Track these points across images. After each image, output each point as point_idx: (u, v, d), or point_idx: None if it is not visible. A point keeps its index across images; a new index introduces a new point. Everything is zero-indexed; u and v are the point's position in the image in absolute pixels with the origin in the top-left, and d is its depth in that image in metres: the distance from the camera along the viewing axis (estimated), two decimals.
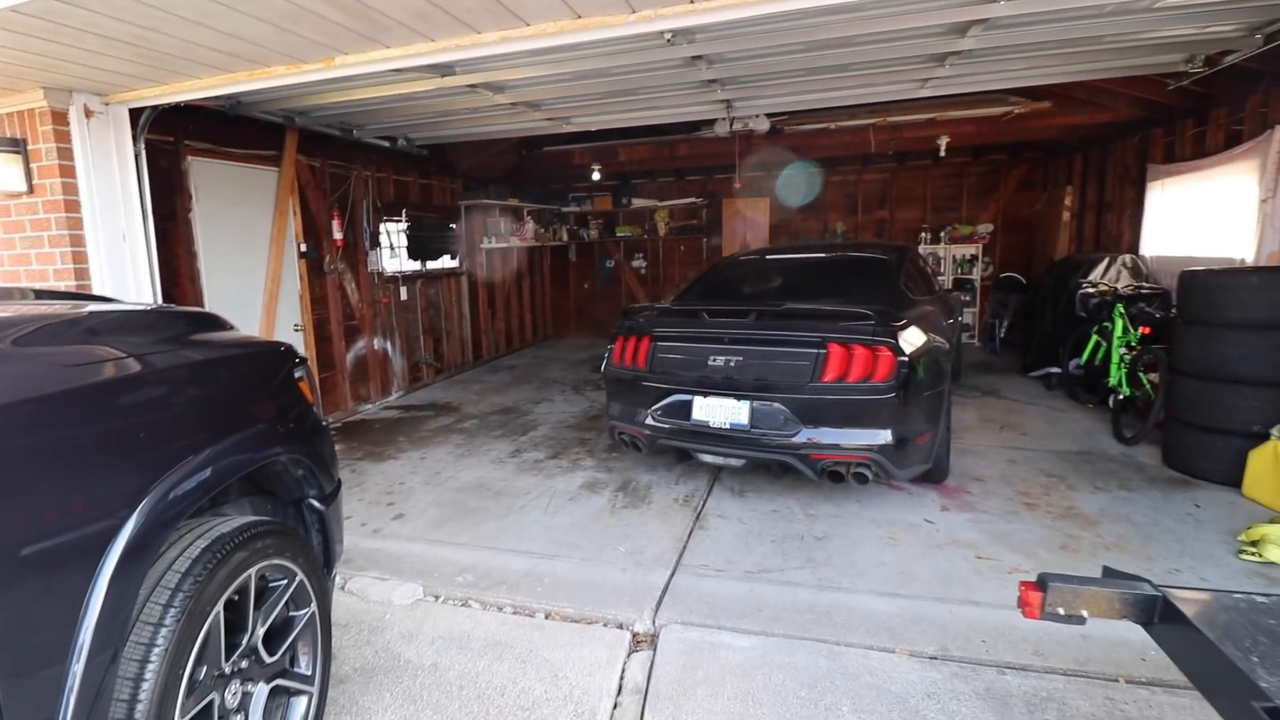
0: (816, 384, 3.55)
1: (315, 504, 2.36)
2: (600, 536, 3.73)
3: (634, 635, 2.79)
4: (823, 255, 5.10)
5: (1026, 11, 3.21)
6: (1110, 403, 5.75)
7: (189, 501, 1.64)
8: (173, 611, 1.51)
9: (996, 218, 9.72)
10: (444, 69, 3.91)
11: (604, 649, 2.67)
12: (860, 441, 3.55)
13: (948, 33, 3.65)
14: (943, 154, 7.29)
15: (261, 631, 1.86)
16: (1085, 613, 1.84)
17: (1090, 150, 8.14)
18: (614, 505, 4.18)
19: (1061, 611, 1.84)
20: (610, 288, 11.42)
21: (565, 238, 10.94)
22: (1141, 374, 5.29)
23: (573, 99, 4.96)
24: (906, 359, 3.50)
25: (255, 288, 5.63)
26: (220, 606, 1.66)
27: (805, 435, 3.60)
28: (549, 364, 9.29)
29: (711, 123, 6.88)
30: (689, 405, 3.90)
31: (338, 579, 3.31)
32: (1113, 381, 5.61)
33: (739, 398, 3.75)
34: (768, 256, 5.30)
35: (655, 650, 2.65)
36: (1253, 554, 3.22)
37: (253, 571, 1.80)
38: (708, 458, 3.96)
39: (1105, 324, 5.90)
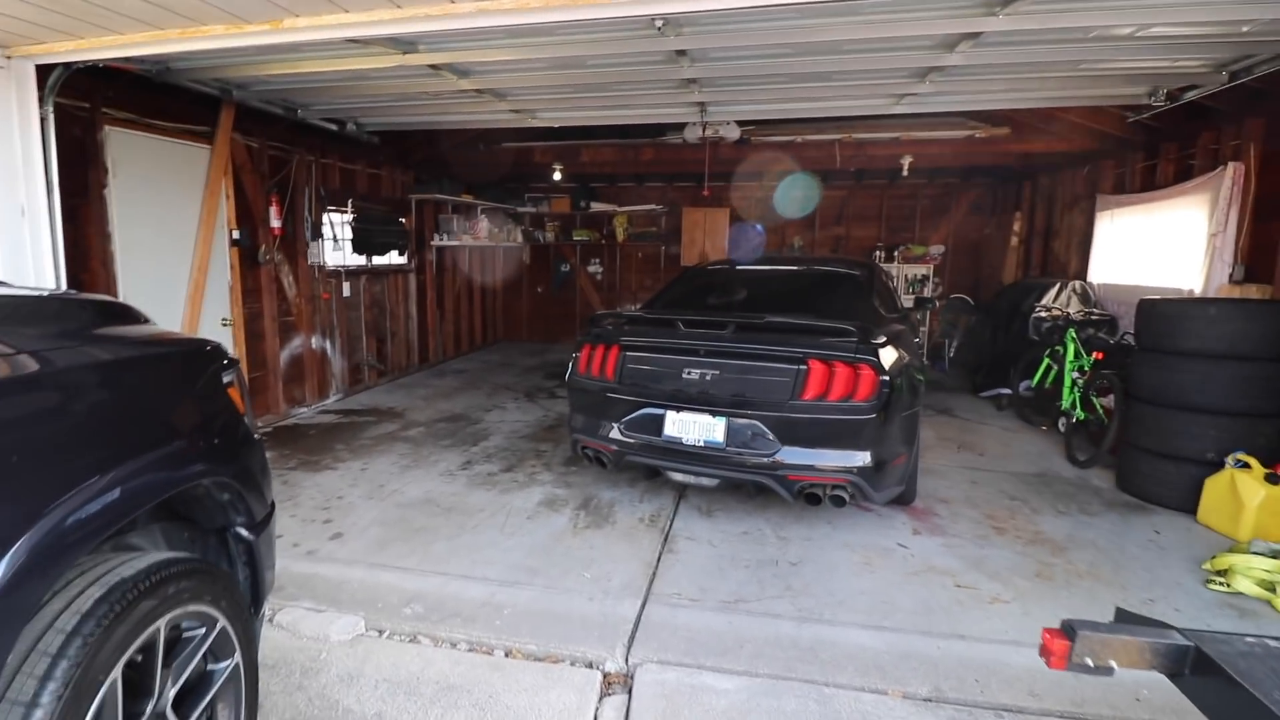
0: (796, 401, 3.39)
1: (243, 532, 2.01)
2: (563, 560, 3.45)
3: (605, 676, 2.53)
4: (794, 268, 4.99)
5: (1020, 29, 3.17)
6: (1061, 425, 5.87)
7: (85, 537, 1.31)
8: (52, 686, 1.17)
9: (947, 239, 9.94)
10: (407, 44, 3.58)
11: (573, 693, 2.40)
12: (839, 463, 3.40)
13: (937, 46, 3.59)
14: (905, 173, 7.36)
15: (172, 694, 1.52)
16: (1114, 663, 1.70)
17: (1039, 178, 8.41)
18: (576, 525, 3.91)
19: (1090, 662, 1.70)
20: (565, 293, 11.11)
21: (520, 239, 10.57)
22: (1094, 398, 5.39)
23: (543, 90, 4.69)
24: (888, 378, 3.38)
25: (179, 276, 5.10)
26: (119, 671, 1.33)
27: (783, 455, 3.43)
28: (500, 369, 8.92)
29: (681, 128, 6.74)
30: (660, 420, 3.68)
31: (265, 610, 2.93)
32: (1065, 405, 5.72)
33: (714, 414, 3.55)
34: (738, 267, 5.15)
35: (631, 694, 2.40)
36: (1220, 584, 3.22)
37: (163, 623, 1.46)
38: (679, 476, 3.75)
39: (1057, 348, 6.03)
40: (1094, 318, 6.39)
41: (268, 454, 4.95)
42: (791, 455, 3.43)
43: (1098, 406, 5.34)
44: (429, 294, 8.77)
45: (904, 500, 4.18)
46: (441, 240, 8.69)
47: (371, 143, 6.48)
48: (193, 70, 4.14)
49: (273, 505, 2.25)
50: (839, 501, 3.49)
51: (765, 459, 3.45)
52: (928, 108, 5.01)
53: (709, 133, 6.29)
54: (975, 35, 3.33)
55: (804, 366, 3.43)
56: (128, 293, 4.69)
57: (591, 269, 10.91)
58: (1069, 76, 4.29)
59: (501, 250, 10.91)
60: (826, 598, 3.11)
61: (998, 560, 3.52)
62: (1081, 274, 7.19)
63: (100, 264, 4.55)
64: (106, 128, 4.51)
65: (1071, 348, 5.79)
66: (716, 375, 3.57)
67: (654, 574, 3.33)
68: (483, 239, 9.40)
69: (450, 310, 9.42)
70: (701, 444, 3.56)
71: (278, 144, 6.05)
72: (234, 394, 2.06)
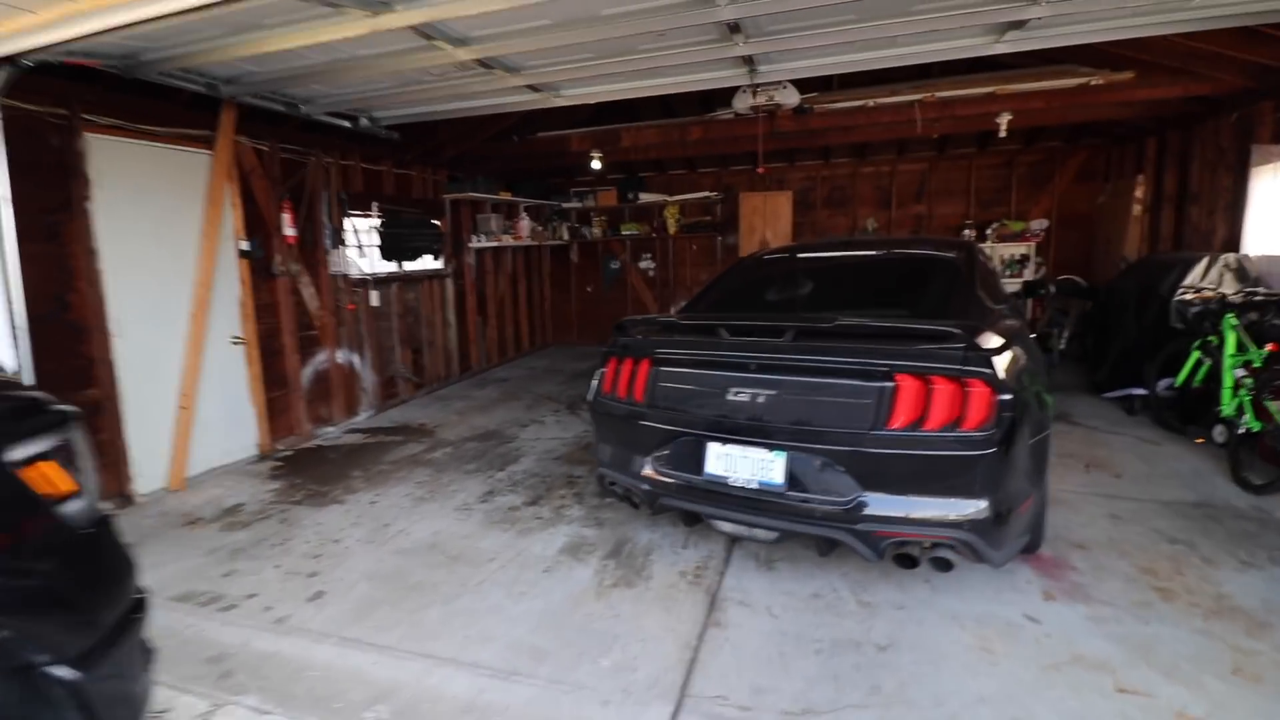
0: (881, 432, 2.52)
1: (59, 672, 1.37)
2: (579, 638, 2.72)
3: None
4: (871, 254, 4.05)
5: None
6: (1220, 436, 4.67)
7: None
8: None
9: (1051, 213, 8.61)
10: (373, 2, 2.92)
11: None
12: (943, 514, 2.51)
13: None
14: (1003, 134, 6.20)
15: None
16: None
17: (1168, 133, 7.02)
18: (601, 581, 3.17)
19: None
20: (616, 291, 10.41)
21: (566, 236, 9.95)
22: (1270, 403, 4.19)
23: (557, 57, 3.97)
24: (1009, 396, 2.46)
25: (179, 293, 4.69)
26: None
27: (864, 503, 2.57)
28: (545, 377, 8.30)
29: (729, 100, 5.87)
30: (701, 454, 2.89)
31: (203, 704, 2.34)
32: (1227, 410, 4.52)
33: (770, 447, 2.72)
34: (800, 255, 4.26)
35: None
36: None
37: None
38: (726, 526, 2.94)
39: (1210, 338, 4.81)
40: (1258, 299, 5.11)
41: (280, 482, 4.49)
42: (876, 503, 2.56)
43: (1275, 414, 4.14)
44: (469, 299, 8.25)
45: (1028, 547, 3.22)
46: (480, 242, 8.15)
47: (392, 139, 5.95)
48: (163, 62, 3.65)
49: (138, 605, 1.61)
50: (943, 566, 2.61)
51: (839, 508, 2.60)
52: (1039, 42, 3.95)
53: (763, 100, 5.40)
54: None
55: (891, 384, 2.55)
56: (120, 313, 4.29)
57: (643, 265, 10.15)
58: None
59: (547, 249, 10.34)
60: (932, 709, 2.24)
61: (1171, 643, 2.53)
62: (1233, 245, 5.86)
63: (87, 283, 4.16)
64: (87, 135, 4.11)
65: (1232, 337, 4.58)
66: (772, 397, 2.74)
67: (693, 660, 2.55)
68: (525, 239, 8.81)
69: (493, 315, 8.89)
70: (754, 486, 2.74)
71: (291, 146, 5.61)
72: (48, 473, 1.42)
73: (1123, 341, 5.98)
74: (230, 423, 5.09)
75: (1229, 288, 5.27)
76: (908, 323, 2.66)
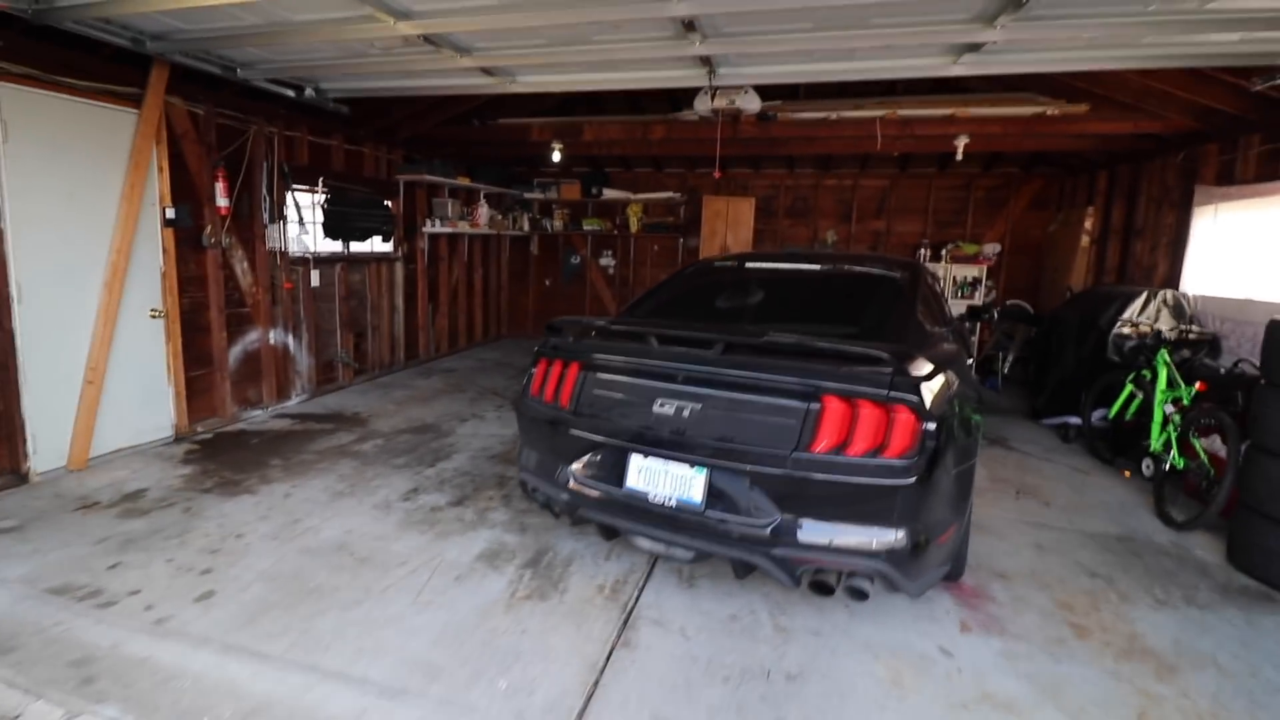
0: (803, 455, 2.44)
1: None
2: (479, 654, 2.58)
3: None
4: (817, 269, 3.99)
5: None
6: (1147, 469, 4.77)
7: None
8: None
9: (1004, 237, 8.76)
10: None
11: None
12: (861, 542, 2.45)
13: None
14: (959, 156, 6.25)
15: None
16: None
17: (1118, 167, 7.19)
18: (514, 593, 3.04)
19: None
20: (575, 286, 10.25)
21: (527, 227, 9.74)
22: (1195, 440, 4.28)
23: (508, 40, 3.81)
24: (934, 424, 2.40)
25: (94, 259, 4.38)
26: None
27: (782, 527, 2.49)
28: (494, 370, 8.11)
29: (693, 100, 5.77)
30: (623, 466, 2.77)
31: (57, 712, 2.14)
32: (1155, 446, 4.61)
33: (692, 463, 2.63)
34: (748, 265, 4.18)
35: None
36: None
37: None
38: (644, 543, 2.83)
39: (1143, 372, 4.91)
40: (1191, 337, 5.25)
41: (193, 467, 4.24)
42: (794, 527, 2.48)
43: (1200, 451, 4.23)
44: (419, 285, 7.99)
45: (950, 575, 3.20)
46: (435, 227, 7.90)
47: (340, 113, 5.68)
48: (75, 9, 3.36)
49: None
50: (859, 595, 2.55)
51: (758, 531, 2.52)
52: (994, 67, 3.94)
53: (724, 103, 5.31)
54: None
55: (816, 405, 2.47)
56: (24, 276, 3.98)
57: (603, 262, 10.01)
58: (1189, 20, 3.21)
59: (507, 239, 10.11)
60: None
61: (1081, 685, 2.52)
62: (1173, 281, 6.01)
63: None
64: None
65: (1164, 373, 4.67)
66: (697, 411, 2.65)
67: (596, 683, 2.43)
68: (483, 226, 8.59)
69: (445, 303, 8.64)
70: (673, 503, 2.64)
71: (229, 112, 5.31)
72: None
73: (1062, 370, 6.09)
74: (144, 401, 4.79)
75: (1165, 324, 5.39)
76: (838, 343, 2.58)
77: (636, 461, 2.74)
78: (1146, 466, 4.81)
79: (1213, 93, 5.05)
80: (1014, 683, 2.51)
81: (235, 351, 5.57)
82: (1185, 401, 4.48)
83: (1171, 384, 4.65)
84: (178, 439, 5.01)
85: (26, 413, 4.08)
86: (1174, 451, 4.34)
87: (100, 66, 4.30)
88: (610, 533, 3.03)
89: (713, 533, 2.58)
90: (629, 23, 3.28)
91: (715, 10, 3.03)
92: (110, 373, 4.49)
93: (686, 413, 2.66)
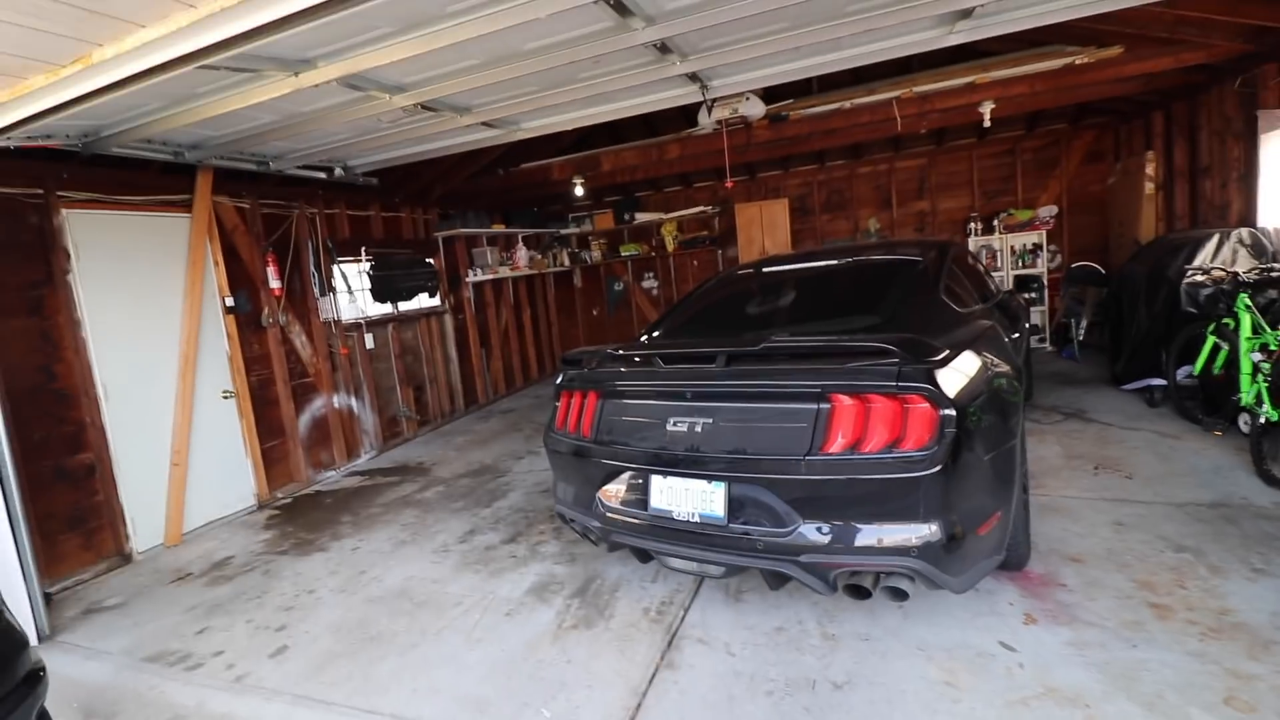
0: (817, 457, 2.38)
1: None
2: (525, 686, 2.63)
3: None
4: (835, 263, 3.91)
5: None
6: (1244, 426, 4.34)
7: None
8: None
9: (1060, 198, 8.25)
10: (294, 62, 2.96)
11: None
12: (891, 540, 2.35)
13: None
14: (988, 124, 5.98)
15: None
16: None
17: (1174, 105, 6.67)
18: (561, 623, 3.08)
19: None
20: (621, 312, 10.38)
21: (567, 262, 9.98)
22: None
23: (500, 93, 3.97)
24: (953, 409, 2.30)
25: (167, 352, 4.82)
26: None
27: (805, 532, 2.43)
28: (550, 405, 8.26)
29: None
30: (646, 488, 2.79)
31: None
32: (1246, 399, 4.19)
33: (710, 478, 2.61)
34: (765, 270, 4.14)
35: None
36: None
37: None
38: (676, 563, 2.82)
39: (1225, 321, 4.49)
40: (1275, 275, 4.76)
41: (273, 532, 4.56)
42: (818, 532, 2.42)
43: None
44: (469, 333, 8.31)
45: (1012, 565, 3.02)
46: (477, 275, 8.23)
47: (371, 185, 6.06)
48: (119, 136, 3.78)
49: (32, 679, 1.63)
50: (899, 595, 2.44)
51: (782, 539, 2.47)
52: (994, 28, 3.77)
53: (728, 113, 5.32)
54: None
55: (825, 405, 2.42)
56: (107, 377, 4.43)
57: (646, 284, 10.10)
58: None
59: (550, 276, 10.38)
60: None
61: (1158, 671, 2.31)
62: (1248, 219, 5.50)
63: (73, 352, 4.31)
64: (64, 211, 4.28)
65: (1247, 320, 4.26)
66: (709, 425, 2.64)
67: (639, 707, 2.43)
68: (523, 268, 8.87)
69: (497, 347, 8.93)
70: (696, 519, 2.63)
71: (271, 200, 5.76)
72: None
73: (1137, 330, 5.65)
74: (226, 475, 5.19)
75: (1243, 265, 4.92)
76: (837, 340, 2.52)
77: (657, 482, 2.75)
78: (1244, 422, 4.38)
79: (1257, 10, 4.64)
80: (1082, 673, 2.33)
81: (304, 419, 5.95)
82: (1274, 347, 4.07)
83: (1257, 330, 4.24)
84: (260, 506, 5.38)
85: (124, 499, 4.50)
86: (1267, 403, 3.94)
87: (153, 180, 4.78)
88: (645, 556, 3.04)
89: (739, 545, 2.55)
90: (605, 56, 3.37)
91: (682, 31, 3.07)
92: (193, 453, 4.90)
93: (699, 428, 2.65)
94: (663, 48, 3.38)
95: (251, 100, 3.24)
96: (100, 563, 4.36)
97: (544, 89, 3.99)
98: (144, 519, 4.60)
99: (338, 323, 6.31)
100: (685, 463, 2.66)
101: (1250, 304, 4.27)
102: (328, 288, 6.18)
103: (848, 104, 5.98)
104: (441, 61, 3.22)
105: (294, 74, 3.01)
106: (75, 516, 4.27)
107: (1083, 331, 7.43)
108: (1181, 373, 5.04)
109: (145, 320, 4.71)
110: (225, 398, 5.21)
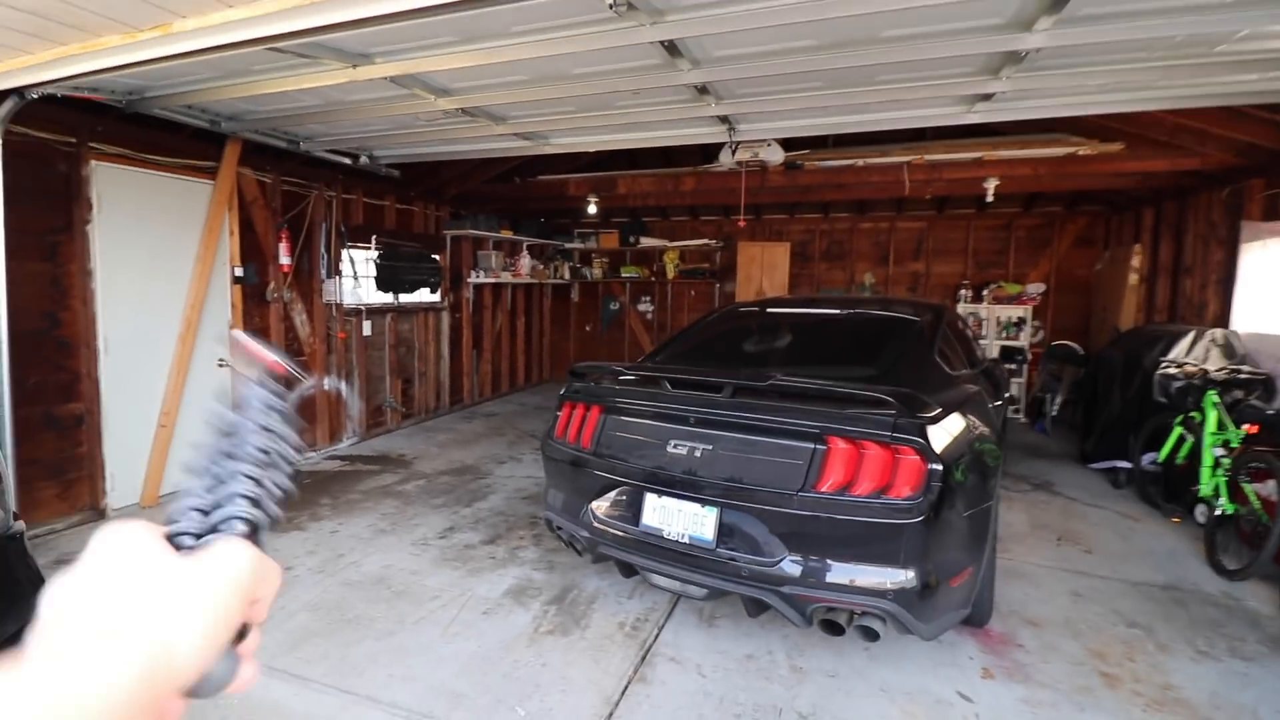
0: (809, 494, 2.51)
1: None
2: (501, 684, 2.70)
3: None
4: (838, 312, 4.09)
5: None
6: (1201, 516, 4.56)
7: None
8: None
9: (1049, 277, 8.61)
10: (352, 55, 3.09)
11: None
12: (869, 581, 2.48)
13: (1009, 25, 2.71)
14: (990, 199, 6.28)
15: None
16: None
17: (1164, 204, 7.04)
18: (538, 627, 3.15)
19: None
20: (614, 332, 10.52)
21: (567, 275, 10.12)
22: (1246, 485, 4.10)
23: (537, 109, 4.13)
24: (940, 465, 2.45)
25: (170, 315, 4.84)
26: None
27: (789, 566, 2.55)
28: (534, 413, 8.35)
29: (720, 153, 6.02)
30: (639, 503, 2.89)
31: None
32: (1204, 491, 4.42)
33: (704, 502, 2.73)
34: (769, 310, 4.31)
35: None
36: None
37: None
38: (660, 580, 2.91)
39: (1193, 415, 4.74)
40: (1242, 377, 5.04)
41: None
42: (801, 566, 2.54)
43: (1251, 497, 4.04)
44: (464, 333, 8.38)
45: (974, 621, 3.15)
46: (479, 277, 8.32)
47: (392, 177, 6.17)
48: (164, 99, 3.86)
49: None
50: (870, 635, 2.56)
51: (766, 568, 2.58)
52: (1010, 114, 4.04)
53: (748, 156, 5.54)
54: (1059, 3, 2.44)
55: (822, 446, 2.56)
56: (110, 331, 4.44)
57: (641, 308, 10.27)
58: (1199, 64, 3.26)
59: (549, 288, 10.50)
60: None
61: None
62: (1223, 320, 5.81)
63: (80, 301, 4.33)
64: (94, 163, 4.32)
65: (1213, 415, 4.51)
66: (709, 451, 2.76)
67: (610, 715, 2.51)
68: (525, 276, 8.99)
69: (489, 349, 9.00)
70: (686, 540, 2.74)
71: (294, 179, 5.83)
72: None
73: (1109, 412, 5.90)
74: None
75: (1214, 364, 5.20)
76: (840, 386, 2.67)
77: (652, 500, 2.85)
78: (1200, 513, 4.60)
79: (1250, 129, 4.99)
80: None
81: (292, 396, 5.94)
82: (1234, 444, 4.31)
83: (1221, 426, 4.48)
84: None
85: (107, 454, 4.48)
86: (1224, 496, 4.17)
87: (182, 143, 4.83)
88: (629, 570, 3.12)
89: (724, 570, 2.65)
90: (646, 90, 3.54)
91: (724, 78, 3.26)
92: (181, 417, 4.89)
93: (699, 453, 2.77)
94: (702, 89, 3.57)
95: (303, 85, 3.36)
96: (75, 514, 4.33)
97: (580, 110, 4.15)
98: (124, 477, 4.57)
99: (339, 306, 6.36)
100: (681, 484, 2.77)
101: (1218, 401, 4.52)
102: (334, 270, 6.23)
103: (860, 162, 6.25)
104: (491, 73, 3.37)
105: (352, 66, 3.13)
106: (57, 465, 4.24)
107: (1056, 407, 7.71)
108: (1147, 458, 5.27)
109: (155, 280, 4.73)
110: (220, 366, 5.22)
